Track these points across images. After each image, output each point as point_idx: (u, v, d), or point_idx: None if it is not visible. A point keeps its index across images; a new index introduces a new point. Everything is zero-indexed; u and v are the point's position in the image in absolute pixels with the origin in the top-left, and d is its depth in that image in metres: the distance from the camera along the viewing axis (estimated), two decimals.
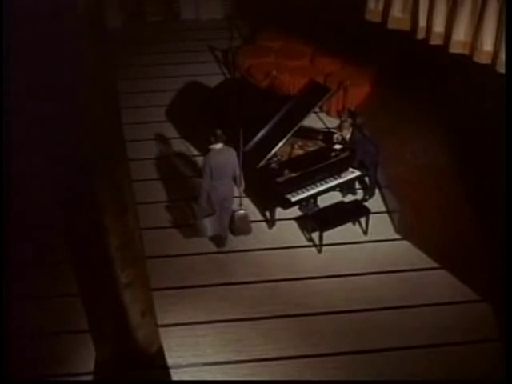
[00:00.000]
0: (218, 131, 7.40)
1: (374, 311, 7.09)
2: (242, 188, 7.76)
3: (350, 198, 8.67)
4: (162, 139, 9.93)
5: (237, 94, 9.24)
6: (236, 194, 7.80)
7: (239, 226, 7.88)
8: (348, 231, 8.13)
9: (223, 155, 7.43)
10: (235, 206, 7.85)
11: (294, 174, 8.01)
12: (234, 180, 7.63)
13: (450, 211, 8.00)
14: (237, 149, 7.56)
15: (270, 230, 8.26)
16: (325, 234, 7.81)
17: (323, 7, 11.86)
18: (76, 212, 5.24)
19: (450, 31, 7.41)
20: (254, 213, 8.50)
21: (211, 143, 7.42)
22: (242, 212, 7.84)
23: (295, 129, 8.18)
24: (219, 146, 7.41)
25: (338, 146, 8.41)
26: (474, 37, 7.21)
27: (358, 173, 8.42)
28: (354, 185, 8.74)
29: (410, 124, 9.31)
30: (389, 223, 8.34)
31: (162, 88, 11.17)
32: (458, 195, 8.17)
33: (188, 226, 8.00)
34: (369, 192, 8.72)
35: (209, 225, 7.56)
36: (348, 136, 8.47)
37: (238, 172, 7.56)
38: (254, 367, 6.51)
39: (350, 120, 8.59)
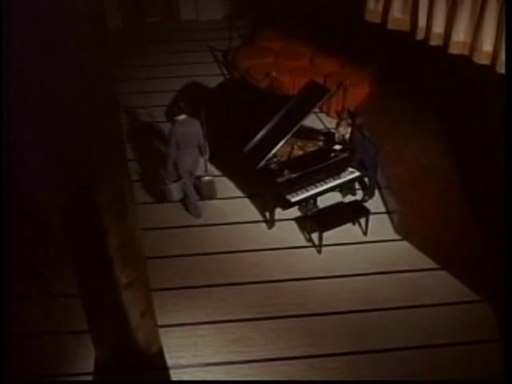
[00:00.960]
0: (181, 103, 8.18)
1: (373, 311, 7.08)
2: (207, 156, 8.29)
3: (349, 198, 8.67)
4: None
5: (237, 94, 9.25)
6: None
7: (206, 191, 8.54)
8: (348, 232, 8.13)
9: (187, 126, 7.96)
10: (201, 172, 8.48)
11: (293, 175, 8.01)
12: (200, 149, 8.14)
13: (450, 211, 8.00)
14: (201, 121, 8.12)
15: (270, 231, 8.26)
16: (324, 234, 7.81)
17: (323, 8, 11.86)
18: (76, 212, 5.24)
19: (449, 32, 7.42)
20: (254, 213, 8.54)
21: (175, 115, 8.01)
22: (208, 178, 8.48)
23: (295, 129, 8.18)
24: (183, 117, 7.95)
25: (337, 147, 8.42)
26: (473, 37, 7.21)
27: (357, 173, 8.42)
28: (353, 185, 8.74)
29: (409, 124, 9.31)
30: (388, 224, 8.34)
31: (162, 88, 11.17)
32: (458, 195, 8.16)
33: (158, 192, 8.48)
34: (368, 192, 8.72)
35: (174, 190, 8.19)
36: (347, 135, 8.47)
37: (202, 141, 8.09)
38: (254, 367, 6.51)
39: (348, 119, 8.60)
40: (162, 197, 8.38)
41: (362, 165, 8.45)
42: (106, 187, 5.11)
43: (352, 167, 8.38)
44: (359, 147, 8.34)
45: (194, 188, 8.38)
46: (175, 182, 8.15)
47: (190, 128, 7.95)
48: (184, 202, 8.50)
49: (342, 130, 8.48)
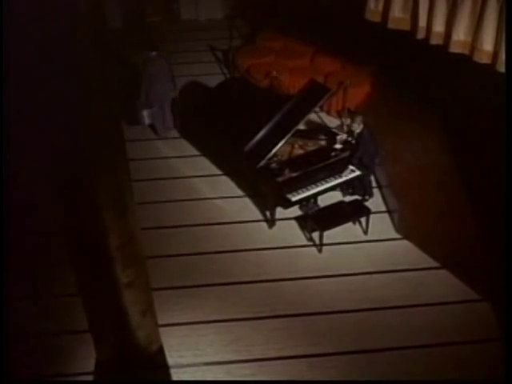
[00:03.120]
0: (153, 44, 9.77)
1: (374, 311, 7.08)
2: (176, 93, 9.74)
3: (350, 197, 8.67)
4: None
5: (237, 93, 9.25)
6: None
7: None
8: (348, 231, 8.13)
9: (157, 62, 9.53)
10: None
11: (294, 174, 8.01)
12: (169, 85, 9.57)
13: (451, 211, 8.00)
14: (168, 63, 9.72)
15: (271, 230, 8.26)
16: (325, 233, 7.81)
17: (323, 7, 11.86)
18: (76, 212, 5.24)
19: (449, 31, 7.42)
20: (254, 213, 8.53)
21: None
22: None
23: (295, 129, 8.18)
24: (154, 53, 9.56)
25: (338, 146, 8.41)
26: (473, 36, 7.21)
27: (358, 172, 8.41)
28: (354, 185, 8.72)
29: (410, 124, 9.31)
30: (389, 223, 8.34)
31: None
32: (459, 195, 8.16)
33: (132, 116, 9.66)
34: (367, 191, 8.68)
35: (145, 115, 9.66)
36: (357, 131, 8.37)
37: (170, 78, 9.60)
38: (254, 367, 6.51)
39: (361, 116, 8.48)
40: (135, 120, 9.68)
41: (360, 163, 8.43)
42: (105, 187, 5.10)
43: (352, 164, 8.35)
44: (362, 146, 8.32)
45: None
46: (146, 108, 9.58)
47: (158, 65, 9.48)
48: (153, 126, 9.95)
49: (355, 125, 8.36)
